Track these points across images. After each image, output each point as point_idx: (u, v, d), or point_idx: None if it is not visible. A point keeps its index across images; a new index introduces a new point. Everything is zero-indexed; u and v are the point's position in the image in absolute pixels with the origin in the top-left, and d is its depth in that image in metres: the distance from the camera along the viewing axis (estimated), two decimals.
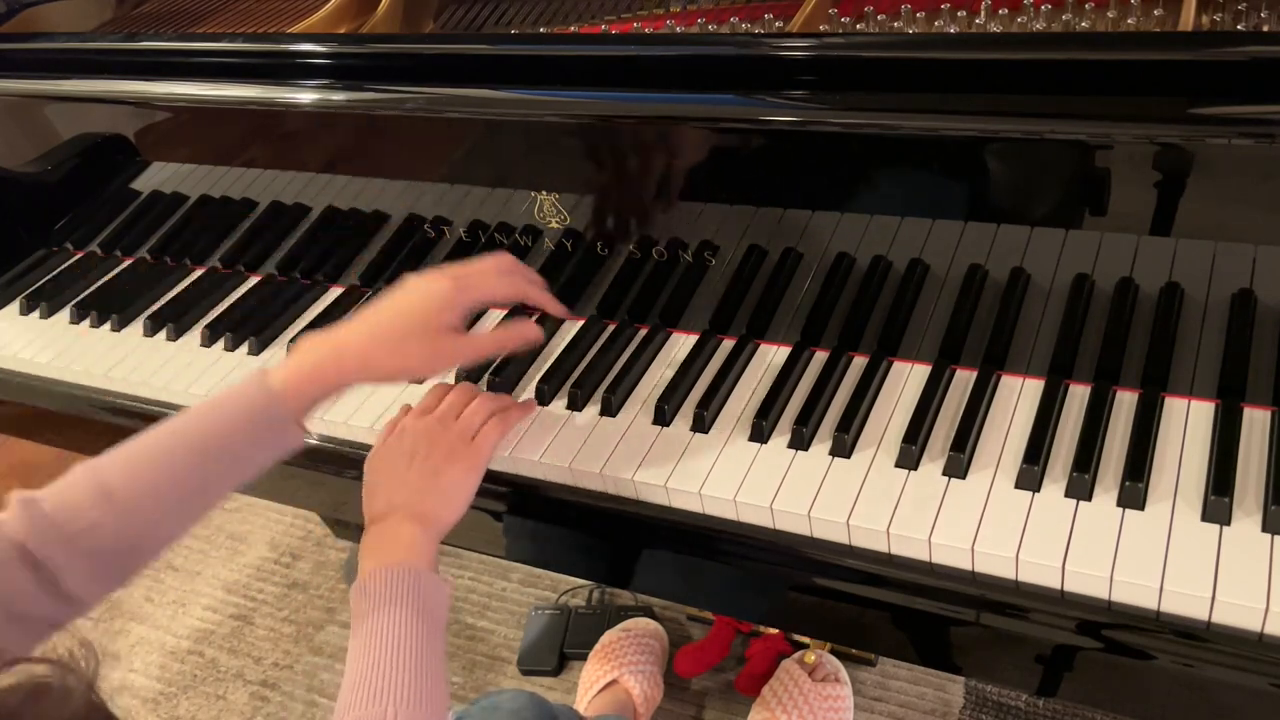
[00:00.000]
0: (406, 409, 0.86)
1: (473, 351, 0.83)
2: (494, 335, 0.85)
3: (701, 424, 0.84)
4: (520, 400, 0.88)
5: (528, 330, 0.84)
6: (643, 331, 0.95)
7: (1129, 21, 0.83)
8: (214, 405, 0.73)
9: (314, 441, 0.96)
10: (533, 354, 0.96)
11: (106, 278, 1.21)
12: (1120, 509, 0.70)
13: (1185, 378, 0.77)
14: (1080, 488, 0.72)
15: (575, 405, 0.89)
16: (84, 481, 0.68)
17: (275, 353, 1.04)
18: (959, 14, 0.88)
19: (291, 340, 1.03)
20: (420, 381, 0.95)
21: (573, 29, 1.05)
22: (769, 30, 0.93)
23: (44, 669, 0.52)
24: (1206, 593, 0.64)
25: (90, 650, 0.55)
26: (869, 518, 0.74)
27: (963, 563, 0.71)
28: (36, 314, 1.18)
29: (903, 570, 0.73)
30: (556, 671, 1.49)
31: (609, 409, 0.88)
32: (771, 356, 0.90)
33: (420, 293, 0.79)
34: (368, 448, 0.92)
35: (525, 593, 1.63)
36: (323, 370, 0.75)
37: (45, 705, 0.50)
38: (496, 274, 0.83)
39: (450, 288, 0.79)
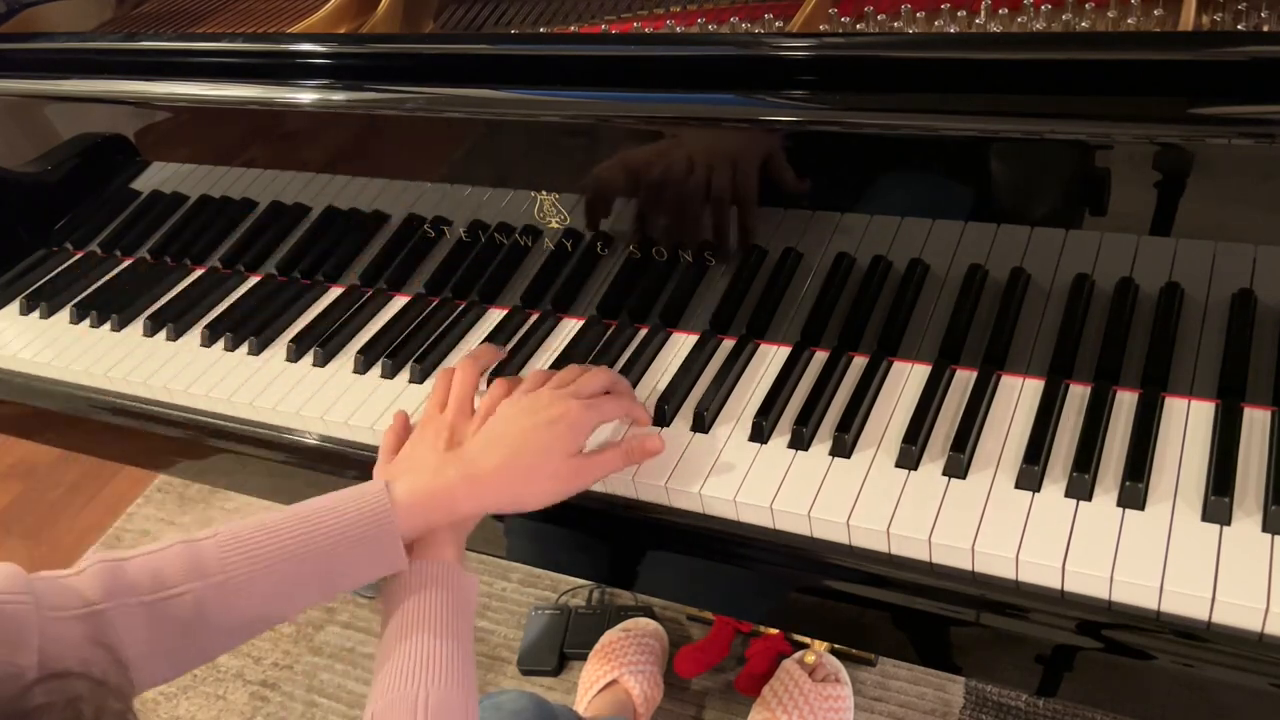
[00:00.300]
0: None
1: (601, 474, 0.78)
2: (621, 452, 0.79)
3: (702, 424, 0.84)
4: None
5: (652, 444, 0.80)
6: (643, 331, 0.95)
7: (1129, 21, 0.83)
8: (330, 505, 0.70)
9: (313, 441, 0.96)
10: (530, 350, 0.96)
11: (106, 278, 1.21)
12: (1120, 509, 0.70)
13: (1185, 378, 0.77)
14: (1080, 488, 0.72)
15: None
16: (178, 550, 0.66)
17: (275, 353, 1.03)
18: (959, 14, 0.87)
19: (292, 340, 1.03)
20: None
21: (573, 29, 1.05)
22: (769, 30, 0.93)
23: (79, 686, 0.52)
24: (1206, 593, 0.64)
25: (123, 671, 0.55)
26: (869, 518, 0.74)
27: (963, 563, 0.71)
28: (36, 314, 1.18)
29: (903, 570, 0.73)
30: (556, 671, 1.49)
31: None
32: (771, 356, 0.90)
33: (554, 419, 0.75)
34: (368, 448, 0.93)
35: (525, 593, 1.63)
36: (451, 498, 0.73)
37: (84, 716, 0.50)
38: (613, 394, 0.82)
39: (582, 412, 0.77)
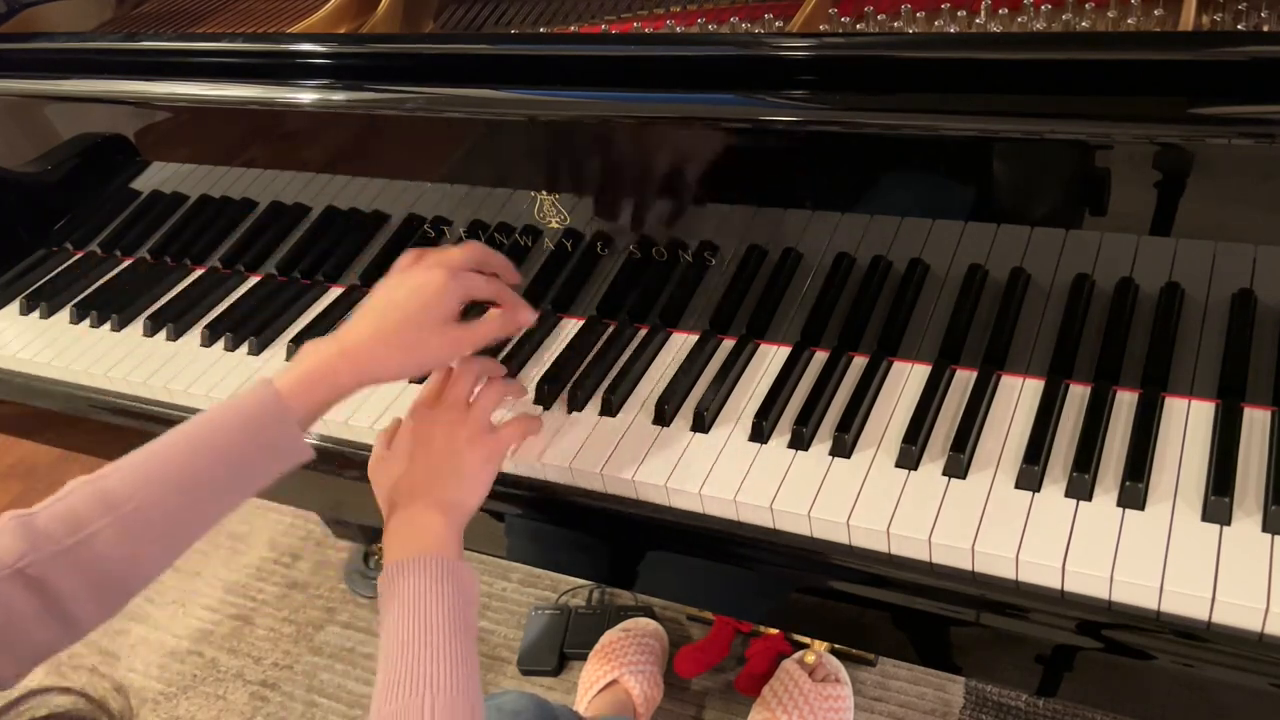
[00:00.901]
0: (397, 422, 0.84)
1: (478, 338, 0.81)
2: (495, 321, 0.82)
3: (701, 424, 0.84)
4: (534, 417, 0.87)
5: (523, 314, 0.83)
6: (643, 331, 0.95)
7: (1129, 21, 0.83)
8: (218, 412, 0.71)
9: (313, 442, 0.95)
10: (530, 350, 0.96)
11: (106, 278, 1.21)
12: (1120, 509, 0.70)
13: (1185, 378, 0.77)
14: (1080, 488, 0.72)
15: (575, 405, 0.89)
16: (82, 491, 0.66)
17: (275, 353, 1.04)
18: (959, 14, 0.87)
19: (292, 340, 1.03)
20: (419, 381, 0.96)
21: (573, 29, 1.05)
22: (769, 30, 0.93)
23: (72, 701, 0.52)
24: (1206, 593, 0.64)
25: (124, 694, 0.55)
26: (869, 518, 0.74)
27: (963, 563, 0.71)
28: (36, 314, 1.18)
29: (903, 570, 0.73)
30: (556, 671, 1.49)
31: (609, 409, 0.88)
32: (771, 356, 0.90)
33: (419, 285, 0.78)
34: (368, 448, 0.93)
35: (525, 593, 1.63)
36: (331, 372, 0.74)
37: None
38: (480, 265, 0.82)
39: (446, 278, 0.78)
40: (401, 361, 0.77)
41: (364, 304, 0.79)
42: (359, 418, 0.93)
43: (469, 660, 0.68)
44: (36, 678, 0.59)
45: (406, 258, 0.82)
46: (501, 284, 0.84)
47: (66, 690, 0.52)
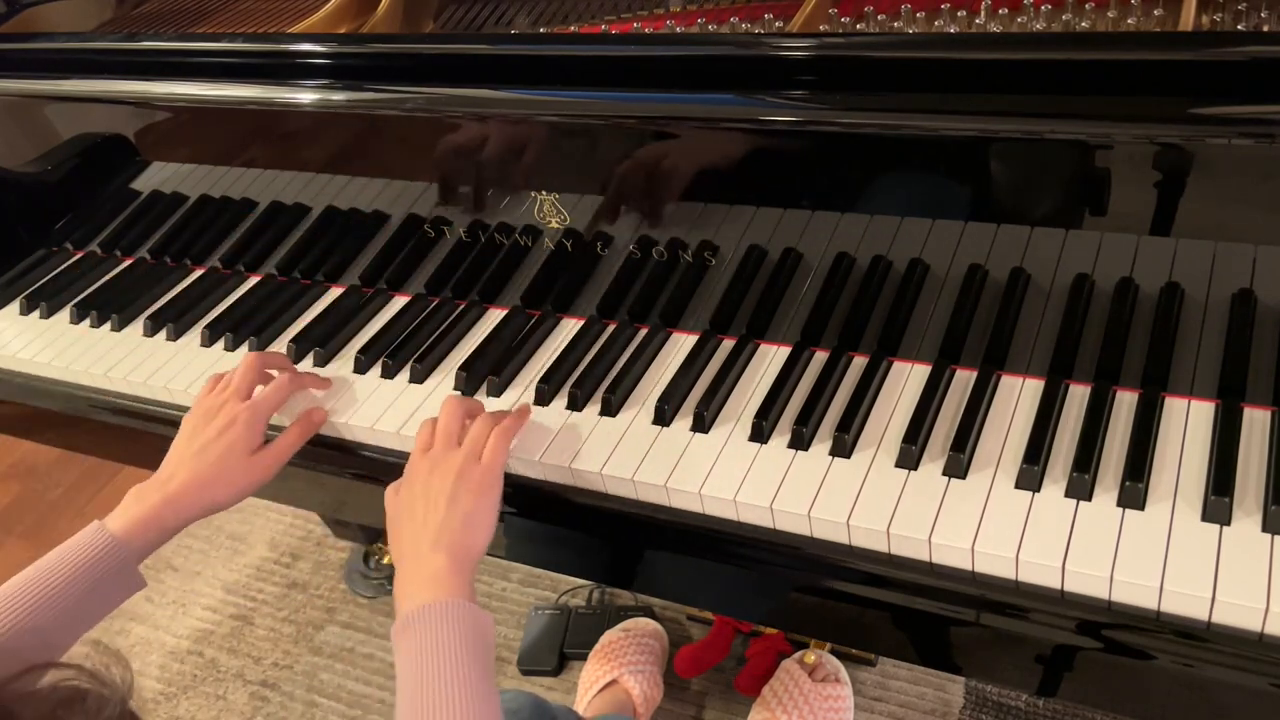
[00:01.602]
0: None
1: (285, 455, 0.90)
2: (293, 434, 0.91)
3: (701, 424, 0.84)
4: (515, 408, 0.88)
5: (315, 416, 0.93)
6: (643, 331, 0.95)
7: (1129, 21, 0.83)
8: (59, 557, 0.78)
9: (313, 444, 0.96)
10: (530, 350, 0.96)
11: (106, 278, 1.21)
12: (1120, 509, 0.70)
13: (1185, 378, 0.77)
14: (1080, 488, 0.72)
15: (575, 405, 0.89)
16: None
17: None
18: (959, 14, 0.88)
19: (292, 340, 1.03)
20: (420, 381, 0.96)
21: (573, 29, 1.05)
22: (769, 30, 0.93)
23: (74, 674, 0.52)
24: (1206, 593, 0.64)
25: (124, 663, 0.56)
26: (869, 518, 0.74)
27: (963, 563, 0.71)
28: (36, 314, 1.18)
29: (903, 570, 0.73)
30: (556, 671, 1.49)
31: (609, 409, 0.88)
32: (771, 356, 0.90)
33: (223, 426, 0.87)
34: (368, 447, 0.93)
35: (525, 593, 1.63)
36: (158, 519, 0.83)
37: (79, 712, 0.51)
38: (267, 382, 0.92)
39: (245, 413, 0.88)
40: (219, 499, 0.86)
41: (176, 446, 0.88)
42: (359, 417, 0.93)
43: (489, 705, 0.67)
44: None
45: (204, 389, 0.93)
46: (287, 377, 0.93)
47: (66, 665, 0.53)
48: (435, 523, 0.77)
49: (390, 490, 0.83)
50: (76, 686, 0.51)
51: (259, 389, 0.92)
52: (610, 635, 1.44)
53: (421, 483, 0.80)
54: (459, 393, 0.93)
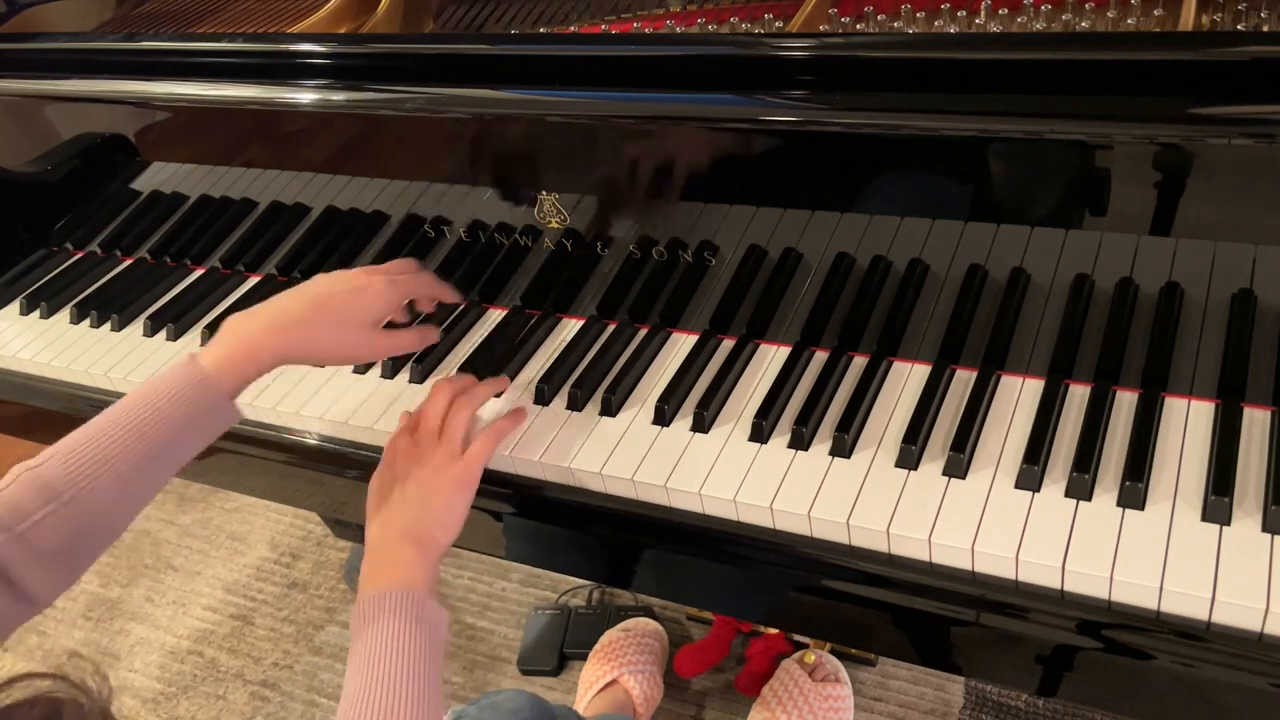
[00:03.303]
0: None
1: (401, 347, 0.88)
2: (415, 333, 0.89)
3: (701, 424, 0.84)
4: (511, 410, 0.88)
5: (431, 334, 0.92)
6: (643, 331, 0.95)
7: (1129, 21, 0.83)
8: (147, 392, 0.74)
9: (314, 441, 0.96)
10: (530, 350, 0.96)
11: (106, 278, 1.21)
12: (1120, 509, 0.70)
13: (1185, 378, 0.77)
14: (1080, 488, 0.72)
15: (575, 405, 0.89)
16: (23, 480, 0.69)
17: None
18: (959, 14, 0.88)
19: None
20: (420, 381, 0.96)
21: (573, 29, 1.05)
22: (769, 30, 0.93)
23: (51, 684, 0.52)
24: (1206, 593, 0.64)
25: (103, 676, 0.56)
26: (869, 518, 0.74)
27: (963, 563, 0.71)
28: (36, 314, 1.18)
29: (903, 570, 0.73)
30: (556, 671, 1.49)
31: (609, 409, 0.88)
32: (771, 356, 0.90)
33: (359, 286, 0.83)
34: (369, 447, 0.93)
35: (525, 593, 1.63)
36: (256, 349, 0.77)
37: None
38: (411, 276, 0.88)
39: (385, 284, 0.84)
40: (325, 351, 0.82)
41: (297, 288, 0.82)
42: (359, 417, 0.93)
43: (432, 697, 0.68)
44: (17, 664, 0.60)
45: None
46: (435, 284, 0.91)
47: (45, 675, 0.53)
48: (408, 513, 0.77)
49: (375, 474, 0.83)
50: (55, 697, 0.52)
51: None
52: (610, 635, 1.44)
53: (401, 469, 0.80)
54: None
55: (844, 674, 1.35)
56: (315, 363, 0.84)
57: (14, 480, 0.69)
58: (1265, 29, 0.78)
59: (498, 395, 0.91)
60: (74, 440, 0.71)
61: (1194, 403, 0.77)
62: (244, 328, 0.78)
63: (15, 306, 1.20)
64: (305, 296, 0.81)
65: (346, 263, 1.09)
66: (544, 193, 0.93)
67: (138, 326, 1.12)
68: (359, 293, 0.82)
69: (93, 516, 0.69)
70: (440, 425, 0.83)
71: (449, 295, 0.94)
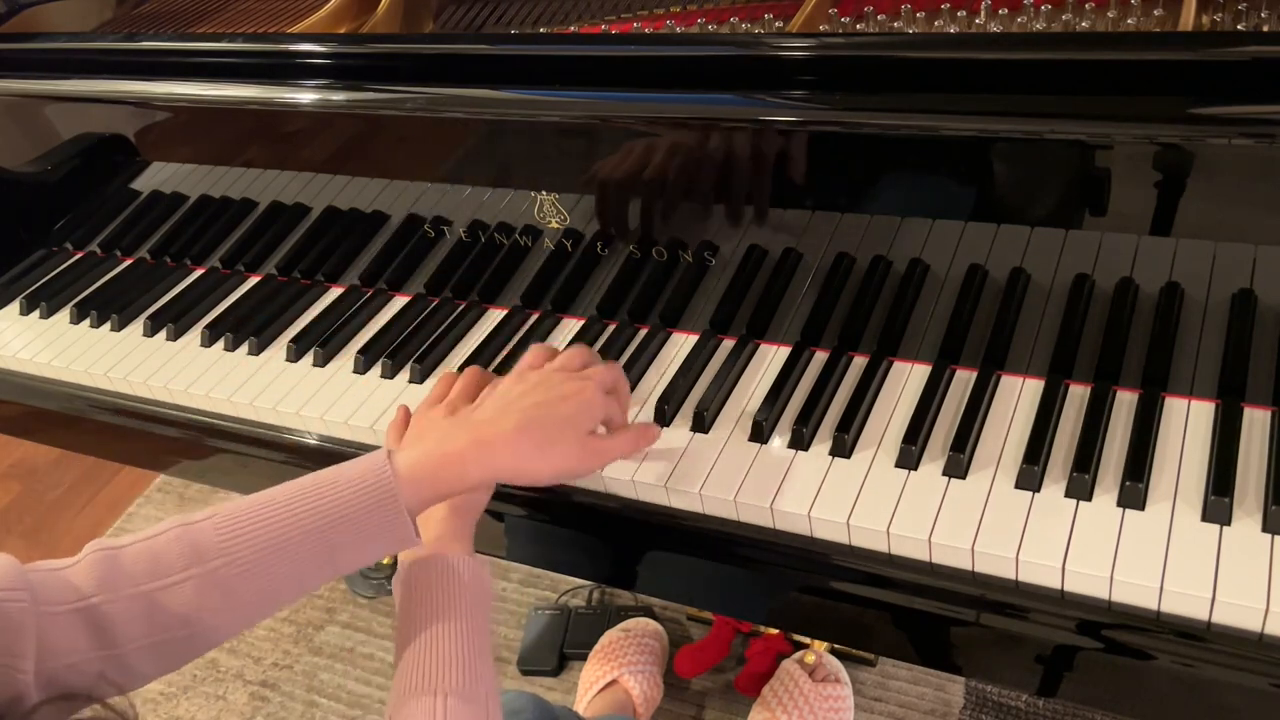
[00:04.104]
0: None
1: (613, 456, 0.78)
2: (629, 438, 0.78)
3: (702, 424, 0.84)
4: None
5: (652, 433, 0.81)
6: (643, 331, 0.95)
7: (1129, 21, 0.83)
8: (330, 478, 0.66)
9: (314, 442, 0.96)
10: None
11: (106, 278, 1.21)
12: (1120, 509, 0.70)
13: (1185, 378, 0.77)
14: (1080, 488, 0.72)
15: None
16: (173, 534, 0.63)
17: (274, 353, 1.03)
18: (959, 14, 0.88)
19: (292, 340, 1.02)
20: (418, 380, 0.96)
21: (573, 29, 1.05)
22: (769, 30, 0.93)
23: (91, 712, 0.51)
24: (1207, 593, 0.64)
25: (132, 707, 0.54)
26: (869, 518, 0.74)
27: (963, 563, 0.71)
28: (36, 314, 1.18)
29: (903, 570, 0.73)
30: (556, 671, 1.49)
31: None
32: (771, 356, 0.90)
33: (572, 393, 0.73)
34: (369, 448, 0.93)
35: (525, 593, 1.63)
36: (460, 461, 0.68)
37: None
38: (625, 390, 0.81)
39: (599, 393, 0.75)
40: (538, 467, 0.71)
41: (509, 397, 0.74)
42: (359, 417, 0.93)
43: (483, 654, 0.67)
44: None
45: (533, 356, 0.79)
46: (625, 404, 0.81)
47: (72, 697, 0.52)
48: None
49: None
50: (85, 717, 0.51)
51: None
52: (610, 635, 1.44)
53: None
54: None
55: (844, 674, 1.35)
56: (519, 482, 0.75)
57: (165, 530, 0.63)
58: (1265, 29, 0.78)
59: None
60: (240, 504, 0.65)
61: (1194, 403, 0.77)
62: (449, 437, 0.69)
63: (15, 306, 1.20)
64: (509, 408, 0.72)
65: (346, 263, 1.09)
66: (544, 193, 0.93)
67: (138, 326, 1.12)
68: (567, 401, 0.73)
69: (232, 595, 0.63)
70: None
71: (647, 435, 0.81)
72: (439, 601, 0.68)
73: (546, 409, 0.72)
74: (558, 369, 0.77)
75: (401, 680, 0.65)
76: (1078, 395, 0.79)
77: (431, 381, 0.96)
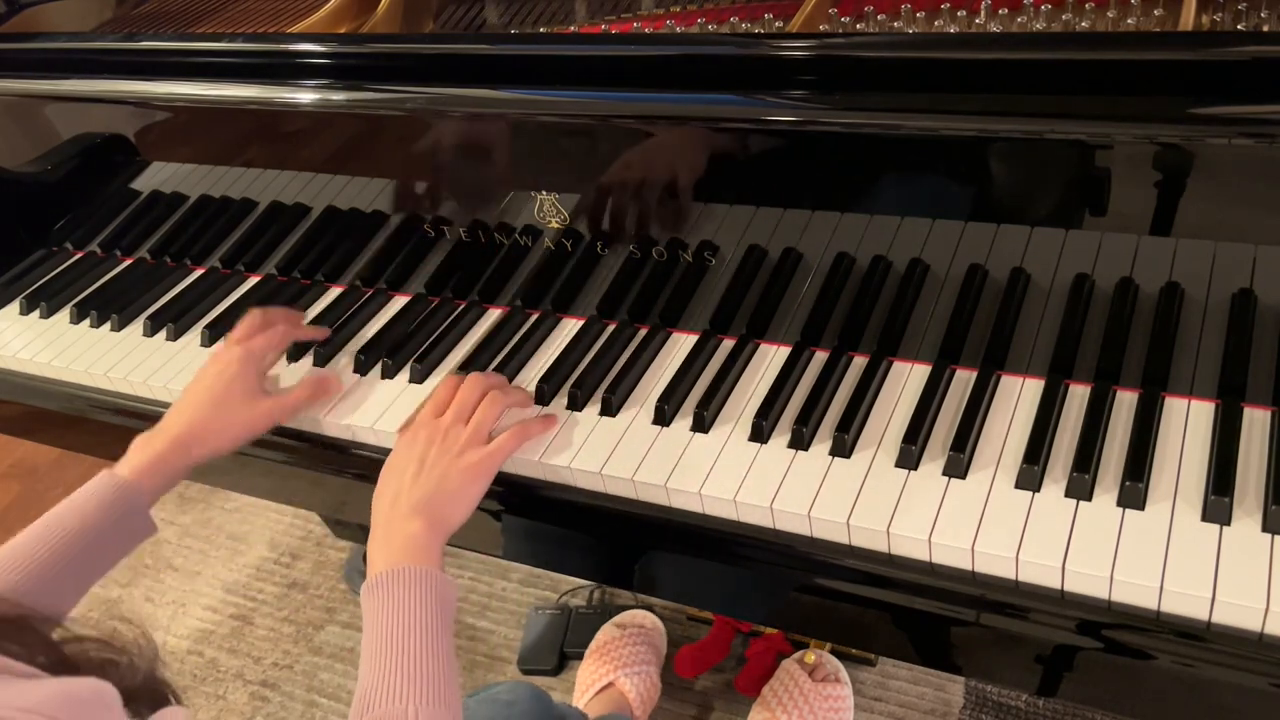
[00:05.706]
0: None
1: (288, 410, 0.92)
2: (302, 391, 0.93)
3: (701, 424, 0.84)
4: (542, 414, 0.88)
5: (330, 383, 0.94)
6: (643, 331, 0.95)
7: (1129, 21, 0.83)
8: (68, 506, 0.79)
9: (312, 442, 0.96)
10: (530, 350, 0.96)
11: (106, 278, 1.21)
12: (1120, 509, 0.70)
13: (1185, 378, 0.77)
14: (1080, 488, 0.72)
15: (575, 405, 0.89)
16: None
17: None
18: (959, 14, 0.88)
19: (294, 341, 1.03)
20: (419, 380, 0.96)
21: (573, 29, 1.05)
22: (769, 30, 0.93)
23: (108, 650, 0.58)
24: (1206, 593, 0.64)
25: (149, 639, 0.62)
26: (869, 518, 0.74)
27: (963, 563, 0.71)
28: (36, 314, 1.18)
29: (903, 570, 0.73)
30: (556, 671, 1.49)
31: (609, 409, 0.88)
32: (771, 356, 0.90)
33: (219, 369, 0.89)
34: (369, 448, 0.93)
35: (525, 593, 1.63)
36: (163, 462, 0.84)
37: (116, 672, 0.57)
38: (265, 330, 0.94)
39: (237, 353, 0.90)
40: (222, 440, 0.88)
41: (184, 391, 0.90)
42: (359, 417, 0.93)
43: (450, 670, 0.69)
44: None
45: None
46: (288, 329, 0.97)
47: (86, 638, 0.59)
48: (422, 491, 0.79)
49: (393, 450, 0.84)
50: (109, 656, 0.57)
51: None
52: (605, 633, 1.44)
53: (422, 448, 0.82)
54: None
55: (844, 674, 1.35)
56: (220, 453, 0.88)
57: None
58: (1265, 29, 0.78)
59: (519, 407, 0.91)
60: (5, 549, 0.76)
61: (1194, 403, 0.77)
62: (150, 446, 0.85)
63: (15, 306, 1.20)
64: (186, 402, 0.88)
65: (346, 263, 1.09)
66: (544, 193, 0.93)
67: (138, 326, 1.12)
68: (220, 375, 0.89)
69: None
70: (469, 414, 0.84)
71: (309, 333, 0.99)
72: (409, 613, 0.70)
73: (206, 393, 0.88)
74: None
75: (367, 690, 0.66)
76: (1078, 395, 0.79)
77: (432, 381, 0.96)
